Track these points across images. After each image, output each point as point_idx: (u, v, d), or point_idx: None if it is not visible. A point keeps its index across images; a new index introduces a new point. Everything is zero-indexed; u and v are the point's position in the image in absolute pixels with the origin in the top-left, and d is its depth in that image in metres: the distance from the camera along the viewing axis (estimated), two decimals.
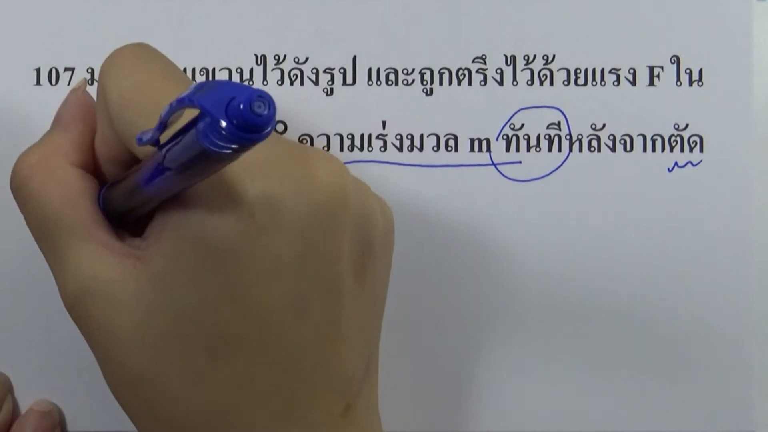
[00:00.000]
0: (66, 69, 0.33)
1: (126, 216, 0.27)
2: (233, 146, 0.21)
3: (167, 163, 0.23)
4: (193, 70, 0.33)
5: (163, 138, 0.23)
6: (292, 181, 0.25)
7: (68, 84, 0.33)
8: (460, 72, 0.34)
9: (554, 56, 0.34)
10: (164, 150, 0.23)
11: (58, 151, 0.28)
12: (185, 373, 0.26)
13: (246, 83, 0.33)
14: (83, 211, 0.27)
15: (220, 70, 0.33)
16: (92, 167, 0.28)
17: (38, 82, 0.33)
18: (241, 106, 0.20)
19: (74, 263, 0.26)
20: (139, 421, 0.27)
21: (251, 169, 0.25)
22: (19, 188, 0.28)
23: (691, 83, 0.34)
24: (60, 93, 0.33)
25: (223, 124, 0.20)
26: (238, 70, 0.33)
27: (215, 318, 0.25)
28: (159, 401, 0.26)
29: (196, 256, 0.25)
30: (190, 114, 0.22)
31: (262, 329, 0.25)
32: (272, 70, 0.34)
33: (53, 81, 0.33)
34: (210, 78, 0.33)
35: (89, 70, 0.33)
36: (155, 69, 0.27)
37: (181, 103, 0.21)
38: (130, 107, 0.26)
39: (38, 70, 0.33)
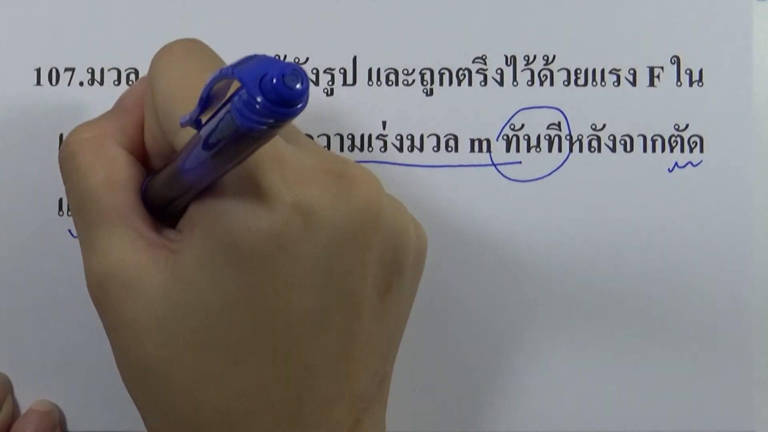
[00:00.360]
0: (66, 69, 0.33)
1: (165, 208, 0.27)
2: (268, 121, 0.21)
3: (204, 145, 0.23)
4: None
5: (203, 119, 0.23)
6: (329, 194, 0.25)
7: (68, 84, 0.33)
8: (460, 72, 0.34)
9: (554, 56, 0.34)
10: (202, 131, 0.23)
11: (113, 131, 0.28)
12: (197, 371, 0.25)
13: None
14: (124, 196, 0.27)
15: None
16: (143, 156, 0.28)
17: (38, 82, 0.33)
18: (274, 80, 0.20)
19: (104, 245, 0.26)
20: (146, 413, 0.27)
21: (290, 177, 0.24)
22: (66, 160, 0.27)
23: (691, 83, 0.34)
24: (60, 93, 0.33)
25: (258, 98, 0.20)
26: None
27: (235, 322, 0.25)
28: (168, 396, 0.26)
29: (225, 258, 0.24)
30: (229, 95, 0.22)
31: (279, 339, 0.25)
32: None
33: (53, 81, 0.33)
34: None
35: (89, 70, 0.33)
36: (204, 65, 0.27)
37: (222, 74, 0.21)
38: (175, 101, 0.26)
39: (38, 70, 0.33)
